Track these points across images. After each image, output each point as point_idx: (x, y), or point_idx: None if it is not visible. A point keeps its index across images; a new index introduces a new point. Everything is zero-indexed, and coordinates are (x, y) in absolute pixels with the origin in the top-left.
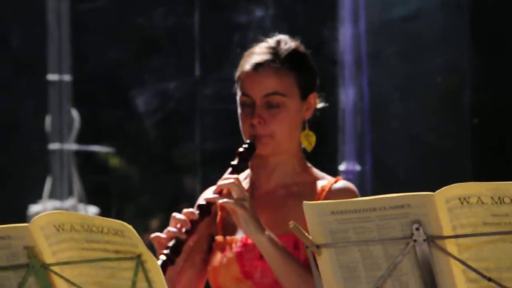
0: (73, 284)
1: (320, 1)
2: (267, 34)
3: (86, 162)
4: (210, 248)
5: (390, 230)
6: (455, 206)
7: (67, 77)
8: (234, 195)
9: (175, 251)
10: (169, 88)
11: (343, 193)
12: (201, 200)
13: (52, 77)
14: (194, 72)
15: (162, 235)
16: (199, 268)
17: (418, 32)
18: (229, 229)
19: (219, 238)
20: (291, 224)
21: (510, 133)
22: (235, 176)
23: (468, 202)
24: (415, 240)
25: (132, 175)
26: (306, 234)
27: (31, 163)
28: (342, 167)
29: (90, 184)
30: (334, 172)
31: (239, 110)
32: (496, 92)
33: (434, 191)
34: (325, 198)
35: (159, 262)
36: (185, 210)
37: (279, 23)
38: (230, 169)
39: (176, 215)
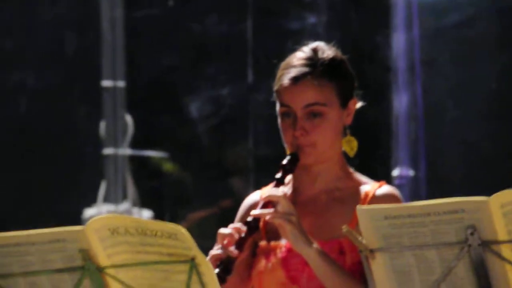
0: (128, 286)
1: (373, 8)
2: (320, 40)
3: (140, 166)
4: (253, 254)
5: (444, 235)
6: (510, 211)
7: (121, 83)
8: (281, 209)
9: (226, 270)
10: (222, 94)
11: (387, 198)
12: (243, 209)
13: (106, 83)
14: (247, 78)
15: (214, 252)
16: (242, 275)
17: (472, 38)
18: (273, 234)
19: (263, 243)
20: (344, 228)
21: None
22: (281, 190)
23: None
24: (469, 245)
25: (185, 180)
26: (360, 238)
27: (86, 167)
28: (395, 172)
29: (144, 188)
30: (387, 177)
31: (279, 121)
32: None
33: (488, 196)
34: (369, 203)
35: None
36: (232, 225)
37: (332, 29)
38: (274, 183)
39: (223, 230)
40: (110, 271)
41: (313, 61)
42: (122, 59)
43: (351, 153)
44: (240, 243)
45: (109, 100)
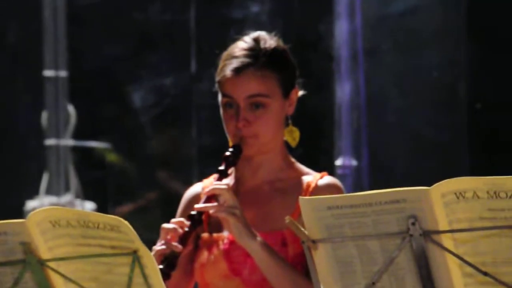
0: (69, 279)
1: None
2: (263, 29)
3: (82, 157)
4: (196, 246)
5: (386, 225)
6: (451, 200)
7: (63, 73)
8: (225, 202)
9: (170, 265)
10: (165, 83)
11: (329, 188)
12: (185, 201)
13: (48, 73)
14: (190, 67)
15: (158, 247)
16: (185, 269)
17: (414, 27)
18: (215, 226)
19: (205, 235)
20: (287, 219)
21: (507, 128)
22: (225, 183)
23: (464, 197)
24: (411, 235)
25: (128, 171)
26: (302, 229)
27: (28, 159)
28: (338, 162)
29: (87, 180)
30: (330, 167)
31: (222, 111)
32: (493, 86)
33: (431, 185)
34: (311, 194)
35: None
36: (174, 220)
37: (275, 18)
38: (217, 175)
39: (166, 225)
40: (52, 264)
41: (255, 51)
42: (64, 49)
43: (293, 143)
44: (183, 238)
45: (51, 90)
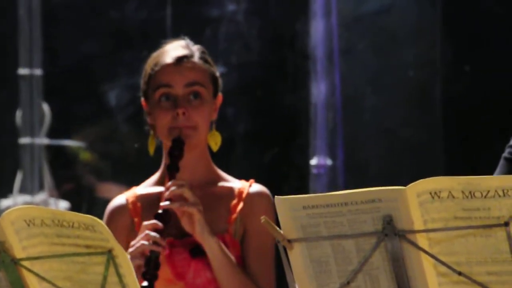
0: (43, 279)
1: None
2: (239, 28)
3: (57, 156)
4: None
5: (362, 224)
6: (426, 200)
7: (38, 71)
8: (188, 199)
9: (155, 266)
10: (141, 82)
11: (260, 196)
12: (109, 213)
13: (23, 71)
14: None
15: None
16: None
17: (390, 26)
18: None
19: None
20: (263, 219)
21: (482, 127)
22: (181, 182)
23: (439, 197)
24: (386, 235)
25: (103, 170)
26: (278, 229)
27: (2, 157)
28: (313, 161)
29: (61, 179)
30: (305, 167)
31: (156, 109)
32: (468, 86)
33: (406, 185)
34: (245, 200)
35: (145, 284)
36: (146, 223)
37: (251, 17)
38: (168, 173)
39: (143, 236)
40: (26, 263)
41: (189, 47)
42: (39, 47)
43: (215, 148)
44: (159, 236)
45: (26, 88)
